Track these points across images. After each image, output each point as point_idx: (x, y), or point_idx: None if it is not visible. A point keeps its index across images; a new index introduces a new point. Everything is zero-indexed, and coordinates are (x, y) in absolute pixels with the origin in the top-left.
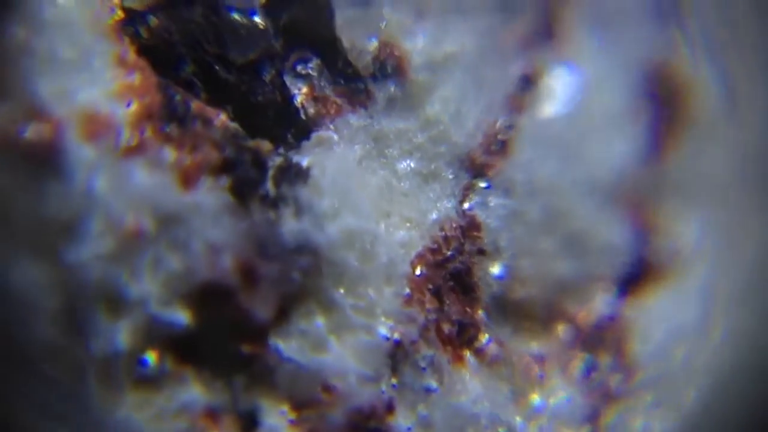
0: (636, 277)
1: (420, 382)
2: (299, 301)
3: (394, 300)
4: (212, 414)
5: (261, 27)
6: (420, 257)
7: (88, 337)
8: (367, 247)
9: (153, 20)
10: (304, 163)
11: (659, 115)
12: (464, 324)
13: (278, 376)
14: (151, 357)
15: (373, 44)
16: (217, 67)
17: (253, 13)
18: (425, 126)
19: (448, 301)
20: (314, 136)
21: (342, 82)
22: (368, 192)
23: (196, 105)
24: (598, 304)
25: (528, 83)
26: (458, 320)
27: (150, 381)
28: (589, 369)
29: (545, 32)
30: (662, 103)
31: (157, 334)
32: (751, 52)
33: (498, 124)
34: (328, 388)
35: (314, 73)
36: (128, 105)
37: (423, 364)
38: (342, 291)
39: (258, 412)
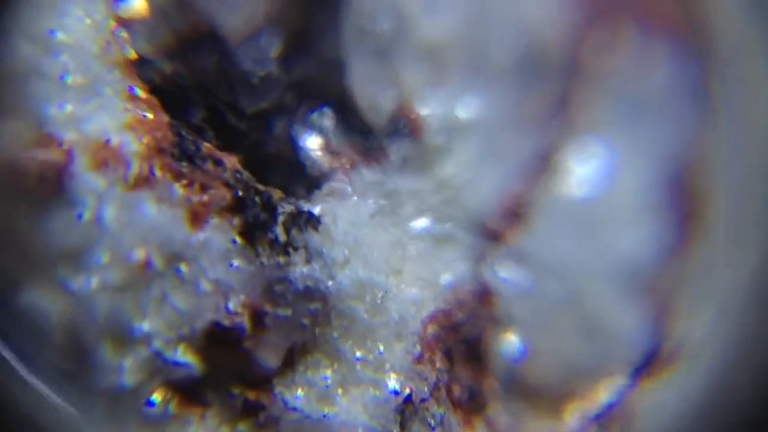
0: (647, 367)
1: None
2: (307, 351)
3: (404, 357)
4: None
5: (273, 77)
6: (432, 318)
7: (95, 369)
8: (377, 301)
9: (165, 65)
10: (316, 210)
11: (679, 217)
12: (475, 390)
13: (283, 425)
14: (157, 397)
15: (389, 103)
16: (227, 115)
17: (266, 64)
18: (439, 188)
19: (459, 366)
20: (326, 186)
21: (356, 137)
22: (380, 246)
23: (207, 147)
24: (610, 389)
25: (546, 158)
26: (469, 386)
27: (154, 422)
28: None
29: (564, 108)
30: (682, 206)
31: (163, 373)
32: None
33: (515, 194)
34: None
35: (328, 126)
36: (140, 139)
37: (433, 423)
38: (351, 343)
39: None
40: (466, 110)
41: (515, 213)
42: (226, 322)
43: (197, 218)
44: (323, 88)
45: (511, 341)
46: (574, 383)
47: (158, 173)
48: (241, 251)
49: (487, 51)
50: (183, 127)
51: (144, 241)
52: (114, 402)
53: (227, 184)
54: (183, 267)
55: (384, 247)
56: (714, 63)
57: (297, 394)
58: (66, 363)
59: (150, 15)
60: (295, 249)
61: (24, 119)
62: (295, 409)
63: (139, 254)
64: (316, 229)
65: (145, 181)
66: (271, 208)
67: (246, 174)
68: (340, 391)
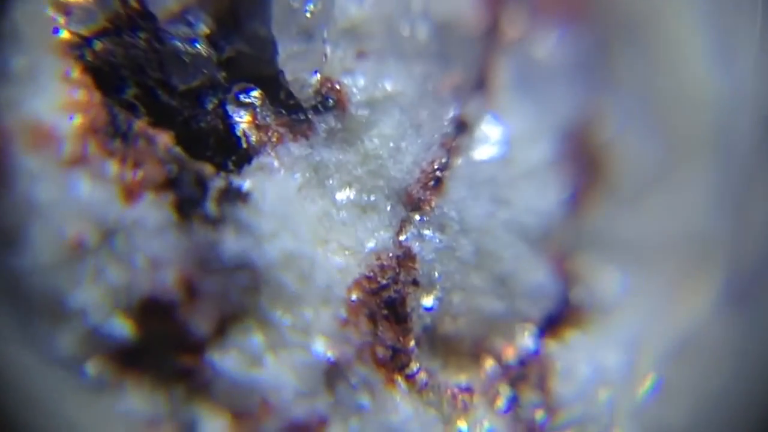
0: (558, 319)
1: (353, 399)
2: (238, 319)
3: (330, 321)
4: (152, 424)
5: (203, 55)
6: (356, 284)
7: (35, 342)
8: (304, 270)
9: (98, 44)
10: (245, 186)
11: (579, 174)
12: (397, 350)
13: (216, 389)
14: (92, 367)
15: (315, 78)
16: (159, 92)
17: (196, 42)
18: (364, 160)
19: (382, 328)
20: (255, 161)
21: (284, 112)
22: (307, 218)
23: (139, 124)
24: (523, 341)
25: (462, 128)
26: (392, 346)
27: (90, 390)
28: (513, 403)
29: (478, 84)
30: (582, 164)
31: (98, 344)
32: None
33: (434, 163)
34: (263, 403)
35: (257, 103)
36: (71, 118)
37: (356, 383)
38: (279, 310)
39: (197, 423)
40: (387, 84)
41: (434, 180)
42: (160, 293)
43: (131, 194)
44: (252, 66)
45: (429, 300)
46: (490, 336)
47: (91, 151)
48: (175, 225)
49: (406, 28)
50: (115, 105)
51: (78, 218)
52: (53, 374)
53: (160, 161)
54: (117, 242)
55: (311, 218)
56: (612, 33)
57: (228, 360)
58: (11, 336)
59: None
60: (226, 222)
61: None
62: (226, 373)
63: (73, 230)
64: (245, 202)
65: (78, 159)
66: (202, 184)
67: (178, 150)
68: (269, 355)
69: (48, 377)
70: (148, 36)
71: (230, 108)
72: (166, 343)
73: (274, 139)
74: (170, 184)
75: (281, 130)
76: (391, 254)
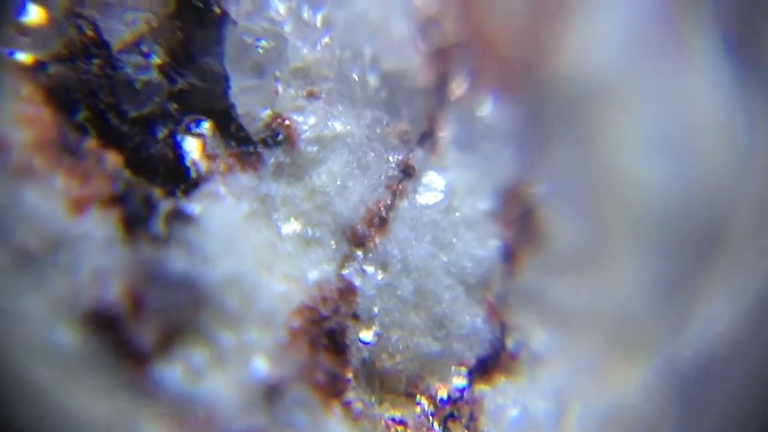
0: (491, 363)
1: (290, 419)
2: (181, 334)
3: (271, 343)
4: None
5: (155, 84)
6: (297, 311)
7: None
8: (247, 293)
9: (51, 68)
10: (192, 209)
11: (515, 231)
12: (335, 377)
13: (158, 402)
14: (35, 376)
15: (266, 113)
16: (110, 116)
17: (149, 72)
18: (311, 194)
19: (321, 356)
20: (204, 188)
21: (233, 144)
22: (252, 245)
23: (89, 144)
24: (456, 381)
25: (407, 173)
26: (330, 372)
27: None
28: None
29: (424, 135)
30: (518, 223)
31: (41, 353)
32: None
33: (379, 203)
34: (205, 417)
35: (207, 134)
36: (21, 131)
37: (294, 404)
38: (222, 329)
39: None
40: (336, 125)
41: (378, 219)
42: (104, 306)
43: (77, 207)
44: (204, 99)
45: (368, 334)
46: (424, 373)
47: (38, 163)
48: (121, 241)
49: (356, 75)
50: (66, 125)
51: (23, 227)
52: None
53: (108, 178)
54: (62, 253)
55: (256, 246)
56: (549, 110)
57: (171, 374)
58: None
59: (46, 24)
60: (172, 241)
61: None
62: (169, 387)
63: (18, 240)
64: (192, 225)
65: (26, 170)
66: (150, 204)
67: (127, 172)
68: (211, 371)
69: None
70: (102, 63)
71: (180, 137)
72: (110, 355)
73: (222, 169)
74: (117, 200)
75: (230, 160)
76: (332, 287)
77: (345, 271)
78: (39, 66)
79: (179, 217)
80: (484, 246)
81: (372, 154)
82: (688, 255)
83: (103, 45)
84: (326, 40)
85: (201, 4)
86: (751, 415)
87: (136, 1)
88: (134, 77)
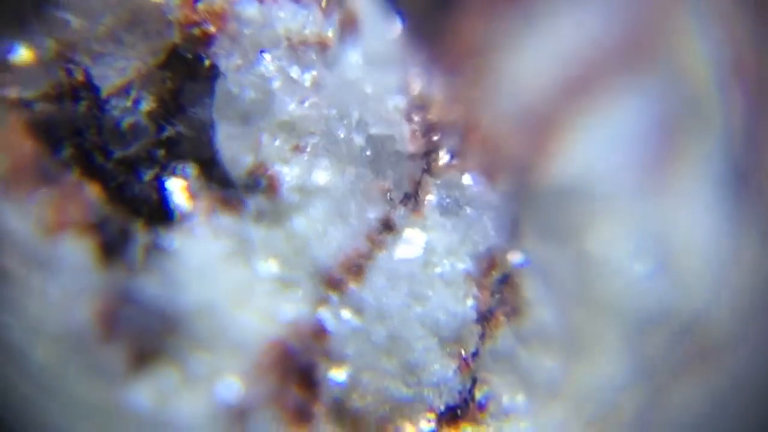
0: (459, 412)
1: None
2: (152, 359)
3: (241, 371)
4: None
5: (142, 126)
6: (269, 345)
7: None
8: (219, 323)
9: (39, 106)
10: (171, 242)
11: (491, 294)
12: (304, 409)
13: (129, 425)
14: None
15: (250, 161)
16: (94, 155)
17: (137, 117)
18: (290, 238)
19: (291, 389)
20: (183, 225)
21: (216, 187)
22: (227, 280)
23: (69, 176)
24: (424, 427)
25: (387, 226)
26: (299, 404)
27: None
28: None
29: (407, 195)
30: (494, 288)
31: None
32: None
33: (358, 251)
34: None
35: (191, 177)
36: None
37: (262, 429)
38: (192, 355)
39: None
40: (319, 177)
41: (356, 266)
42: (77, 327)
43: (52, 230)
44: (191, 145)
45: (339, 374)
46: (392, 416)
47: (14, 187)
48: (95, 267)
49: (343, 134)
50: (47, 158)
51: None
52: None
53: (85, 206)
54: (37, 273)
55: (231, 281)
56: (530, 202)
57: (141, 398)
58: None
59: (35, 65)
60: (148, 270)
61: None
62: (139, 409)
63: None
64: (169, 256)
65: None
66: (128, 234)
67: (107, 204)
68: (180, 396)
69: None
70: (89, 104)
71: (165, 179)
72: (82, 376)
73: (203, 209)
74: (94, 228)
75: (212, 202)
76: (306, 326)
77: (319, 313)
78: (25, 103)
79: (156, 248)
80: (460, 302)
81: (354, 206)
82: (664, 347)
83: (91, 89)
84: (314, 99)
85: (191, 57)
86: None
87: (128, 50)
88: (121, 119)
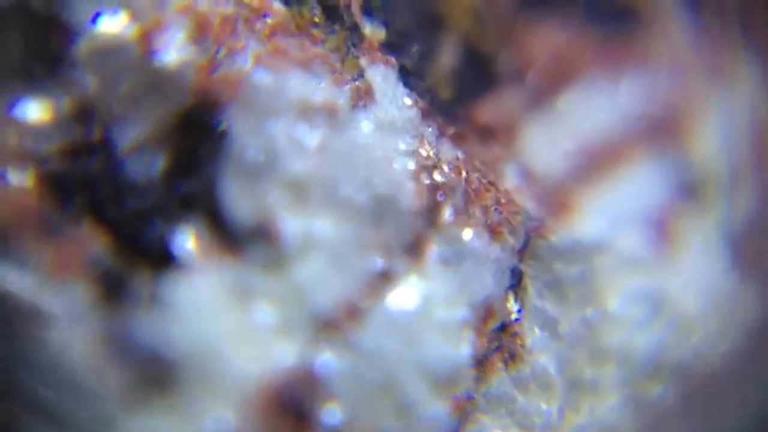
0: None
1: None
2: (147, 399)
3: (236, 412)
4: None
5: (157, 181)
6: (264, 387)
7: None
8: (214, 365)
9: (52, 162)
10: (171, 287)
11: (488, 342)
12: None
13: None
14: None
15: (254, 214)
16: (107, 205)
17: (150, 173)
18: (288, 287)
19: (285, 426)
20: (184, 270)
21: (218, 235)
22: (224, 324)
23: (80, 226)
24: None
25: (386, 276)
26: None
27: None
28: None
29: (408, 249)
30: (490, 336)
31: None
32: None
33: (356, 298)
34: None
35: (198, 226)
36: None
37: None
38: (189, 396)
39: None
40: (320, 231)
41: (353, 314)
42: (73, 367)
43: (54, 273)
44: (203, 201)
45: (333, 413)
46: None
47: (13, 235)
48: (94, 306)
49: (345, 191)
50: (53, 209)
51: None
52: None
53: (88, 250)
54: (37, 322)
55: (228, 324)
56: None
57: None
58: None
59: (51, 122)
60: (144, 315)
61: None
62: None
63: None
64: (166, 303)
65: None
66: (128, 279)
67: (115, 253)
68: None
69: None
70: (105, 161)
71: (173, 228)
72: (77, 413)
73: (206, 255)
74: (97, 271)
75: (214, 249)
76: (302, 370)
77: (316, 357)
78: (39, 159)
79: (156, 291)
80: (455, 347)
81: (354, 258)
82: (662, 391)
83: (108, 147)
84: (320, 160)
85: (205, 120)
86: None
87: (146, 113)
88: (137, 174)
